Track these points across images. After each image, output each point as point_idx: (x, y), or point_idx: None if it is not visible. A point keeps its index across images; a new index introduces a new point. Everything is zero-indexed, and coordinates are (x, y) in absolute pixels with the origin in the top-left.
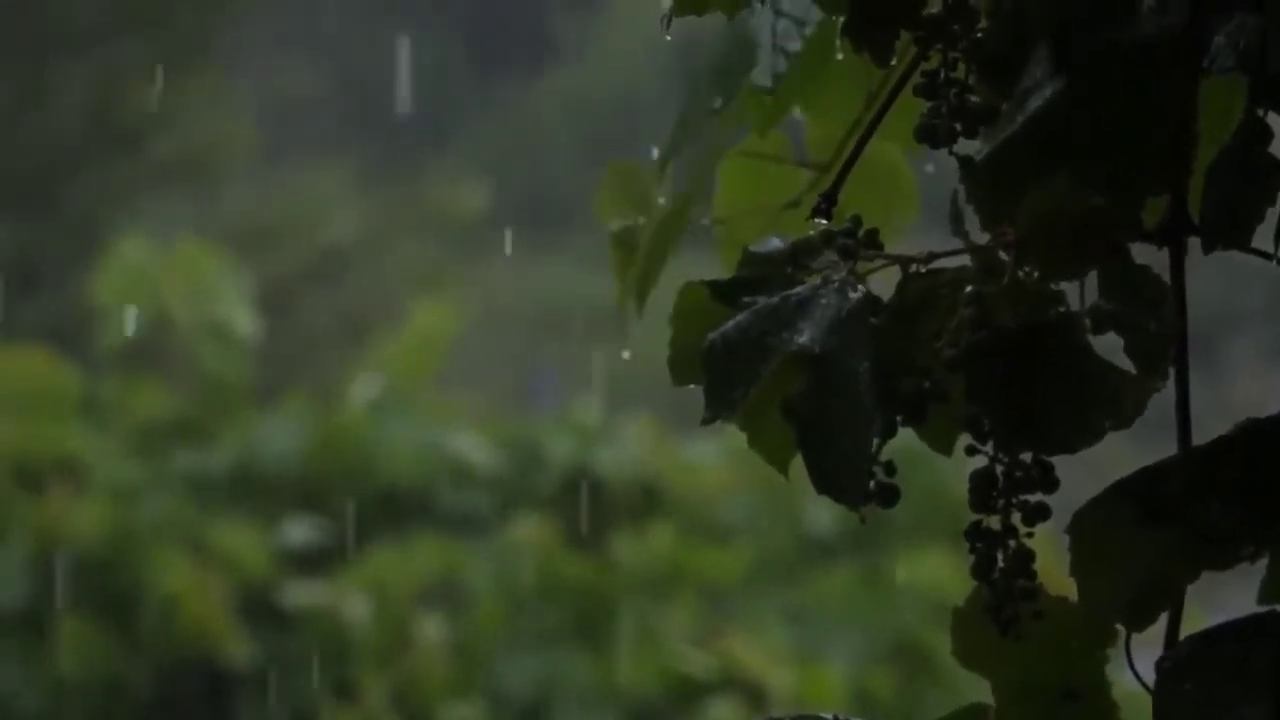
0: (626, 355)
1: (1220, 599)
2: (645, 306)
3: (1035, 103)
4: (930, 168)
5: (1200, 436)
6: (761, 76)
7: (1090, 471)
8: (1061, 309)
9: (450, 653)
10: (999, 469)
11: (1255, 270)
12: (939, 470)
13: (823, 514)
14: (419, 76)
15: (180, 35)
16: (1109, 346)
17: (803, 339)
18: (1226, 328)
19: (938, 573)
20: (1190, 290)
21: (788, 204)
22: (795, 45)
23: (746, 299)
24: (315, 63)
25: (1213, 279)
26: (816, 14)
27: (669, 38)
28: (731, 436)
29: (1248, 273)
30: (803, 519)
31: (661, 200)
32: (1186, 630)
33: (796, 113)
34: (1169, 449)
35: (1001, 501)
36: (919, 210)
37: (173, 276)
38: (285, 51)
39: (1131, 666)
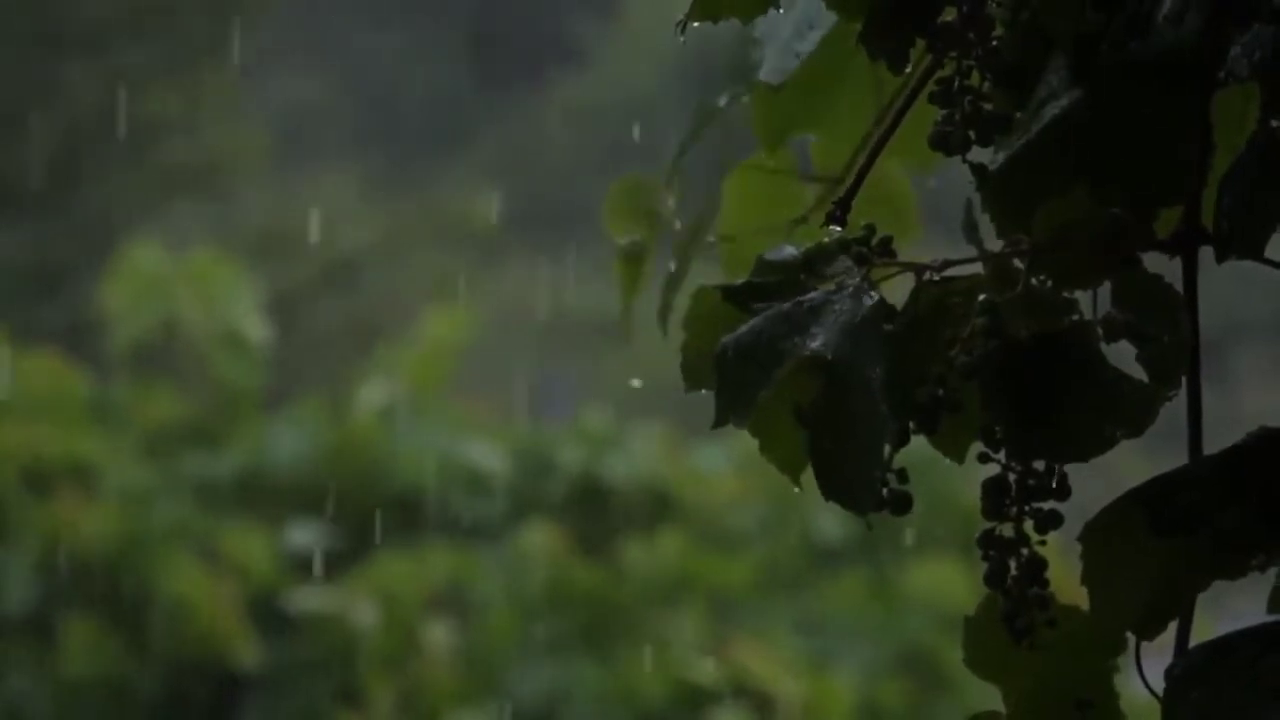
0: (637, 384)
1: (1231, 607)
2: (669, 328)
3: (1052, 112)
4: (932, 183)
5: (1209, 446)
6: (771, 75)
7: (1099, 479)
8: (1075, 318)
9: (459, 660)
10: (1012, 477)
11: (1265, 280)
12: (948, 478)
13: (832, 522)
14: (429, 85)
15: (192, 42)
16: (1121, 355)
17: (816, 345)
18: (1235, 338)
19: (947, 581)
20: (1200, 300)
21: (795, 221)
22: (806, 46)
23: (759, 304)
24: (326, 70)
25: (1222, 289)
26: (826, 16)
27: (682, 43)
28: (741, 445)
29: (1257, 283)
30: (812, 527)
31: (671, 202)
32: (1195, 639)
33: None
34: (1177, 458)
35: (1014, 509)
36: (920, 230)
37: (185, 283)
38: (296, 59)
39: (1141, 675)
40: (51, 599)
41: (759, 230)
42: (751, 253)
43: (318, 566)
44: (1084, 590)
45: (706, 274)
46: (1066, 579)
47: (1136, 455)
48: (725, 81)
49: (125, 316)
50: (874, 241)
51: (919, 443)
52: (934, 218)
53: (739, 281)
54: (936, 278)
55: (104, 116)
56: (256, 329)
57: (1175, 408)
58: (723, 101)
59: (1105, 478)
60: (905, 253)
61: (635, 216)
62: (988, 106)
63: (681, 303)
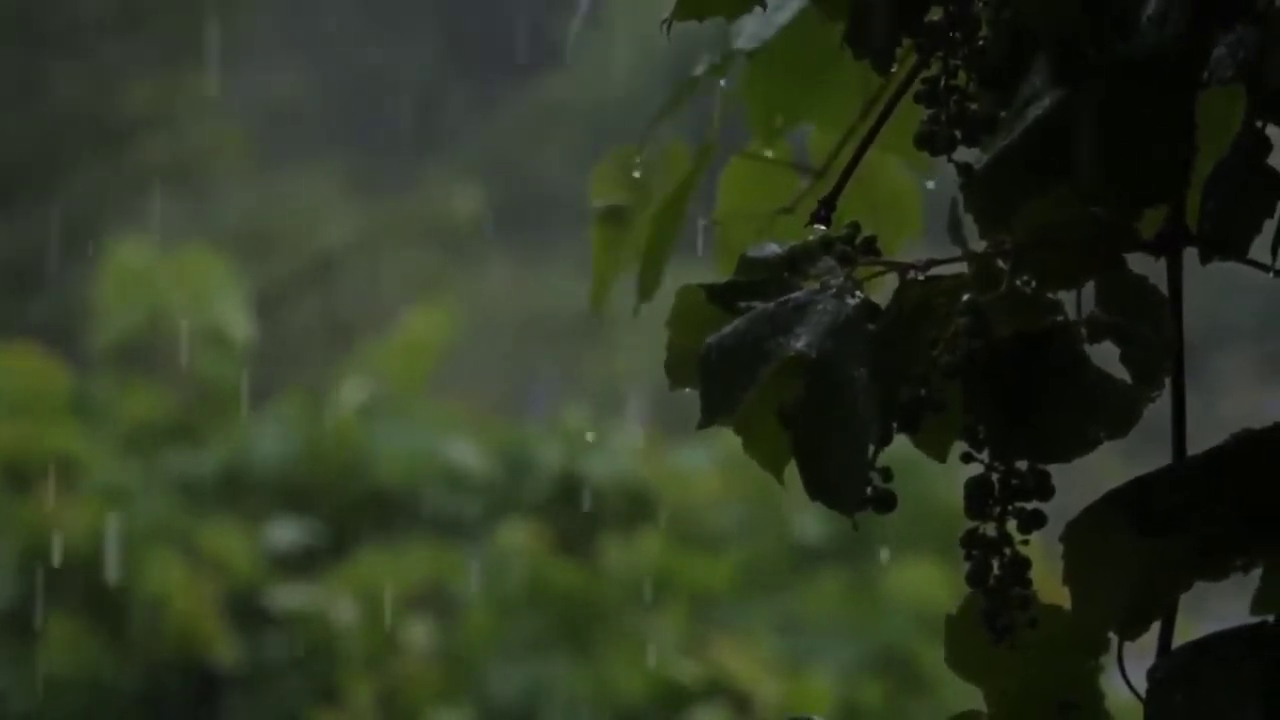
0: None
1: (1212, 610)
2: (648, 300)
3: (1034, 112)
4: (931, 185)
5: (1190, 449)
6: (748, 41)
7: (1078, 482)
8: (1058, 318)
9: (438, 658)
10: (995, 477)
11: (1247, 284)
12: (929, 479)
13: (812, 523)
14: (410, 82)
15: (174, 37)
16: (1105, 356)
17: (800, 344)
18: (1218, 341)
19: (926, 582)
20: (1184, 302)
21: (781, 209)
22: (784, 16)
23: (744, 303)
24: (306, 68)
25: (1205, 292)
26: None
27: (668, 42)
28: (722, 444)
29: (1240, 286)
30: (792, 528)
31: (636, 175)
32: (1177, 640)
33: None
34: (1157, 461)
35: (997, 509)
36: (920, 227)
37: (172, 280)
38: (278, 55)
39: (1124, 675)
40: (32, 595)
41: (749, 217)
42: (741, 238)
43: (297, 564)
44: (1066, 591)
45: (692, 265)
46: (1047, 580)
47: (1115, 458)
48: (705, 52)
49: (112, 312)
50: (858, 240)
51: (899, 443)
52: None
53: (723, 281)
54: (920, 277)
55: (84, 112)
56: (242, 326)
57: (1153, 411)
58: (700, 70)
59: (1084, 480)
60: (906, 248)
61: (620, 185)
62: (973, 106)
63: (667, 301)
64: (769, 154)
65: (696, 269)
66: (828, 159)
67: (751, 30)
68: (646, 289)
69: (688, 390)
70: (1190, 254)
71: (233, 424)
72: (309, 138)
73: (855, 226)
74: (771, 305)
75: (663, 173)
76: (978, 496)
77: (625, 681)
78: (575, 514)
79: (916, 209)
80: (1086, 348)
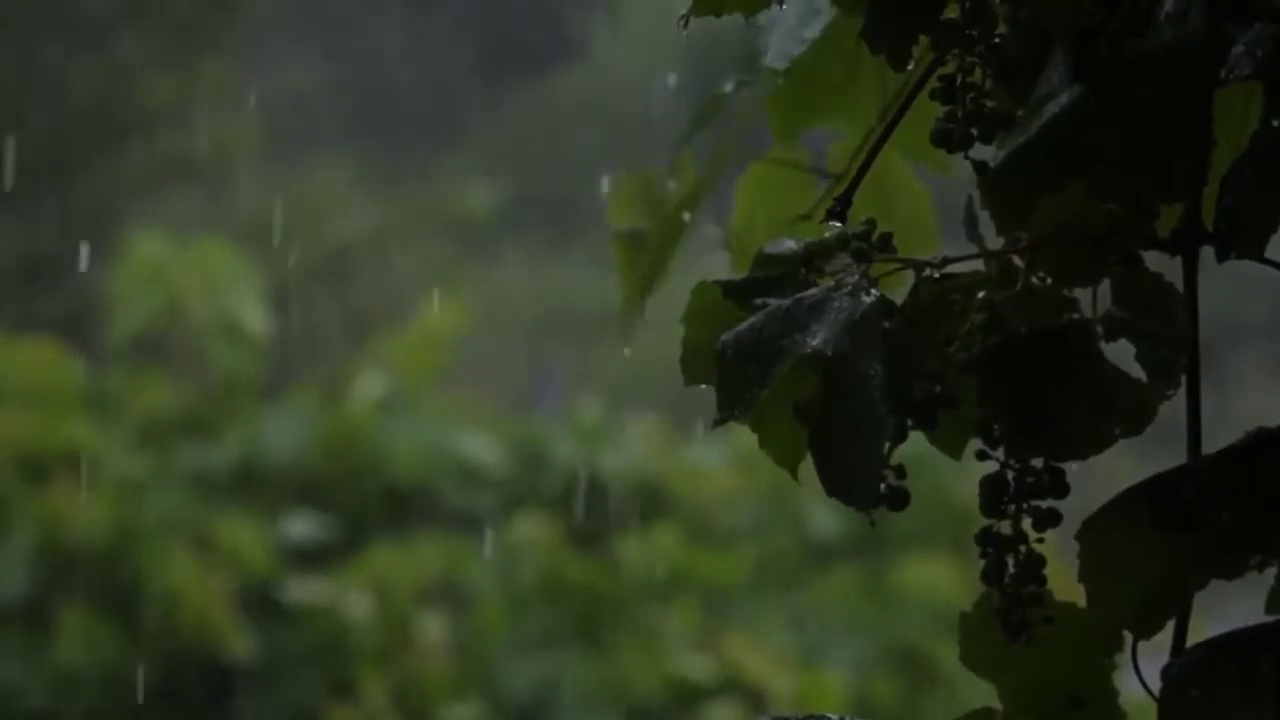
0: (628, 353)
1: (1225, 610)
2: (647, 305)
3: (1051, 109)
4: (932, 174)
5: (1204, 448)
6: (776, 59)
7: (1091, 481)
8: (1074, 316)
9: (451, 652)
10: (1010, 474)
11: (1262, 282)
12: (942, 476)
13: (826, 519)
14: (427, 76)
15: (189, 30)
16: (1121, 354)
17: (816, 341)
18: (1232, 339)
19: (940, 579)
20: (1199, 300)
21: (800, 216)
22: (811, 31)
23: (759, 300)
24: (323, 61)
25: (1219, 290)
26: (829, 4)
27: (685, 37)
28: (736, 440)
29: (1254, 285)
30: (806, 523)
31: (672, 184)
32: (1190, 640)
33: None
34: (1171, 460)
35: (1012, 507)
36: (933, 225)
37: (188, 273)
38: (294, 48)
39: (1138, 673)
40: (45, 588)
41: (768, 225)
42: (759, 244)
43: (311, 557)
44: (1080, 588)
45: (711, 268)
46: (1061, 577)
47: (1129, 457)
48: (731, 68)
49: (128, 305)
50: (874, 237)
51: (913, 440)
52: (935, 214)
53: (739, 277)
54: (936, 274)
55: (99, 105)
56: (258, 318)
57: (1167, 410)
58: (728, 88)
59: (1098, 478)
60: (919, 246)
61: (637, 207)
62: (990, 104)
63: (681, 297)
64: (787, 159)
65: (710, 266)
66: (848, 164)
67: (780, 47)
68: (644, 290)
69: (703, 386)
70: (1206, 252)
71: (247, 417)
72: (325, 131)
73: (871, 223)
74: (787, 302)
75: (674, 187)
76: (993, 494)
77: (638, 676)
78: (589, 509)
79: (929, 207)
80: (1102, 345)
